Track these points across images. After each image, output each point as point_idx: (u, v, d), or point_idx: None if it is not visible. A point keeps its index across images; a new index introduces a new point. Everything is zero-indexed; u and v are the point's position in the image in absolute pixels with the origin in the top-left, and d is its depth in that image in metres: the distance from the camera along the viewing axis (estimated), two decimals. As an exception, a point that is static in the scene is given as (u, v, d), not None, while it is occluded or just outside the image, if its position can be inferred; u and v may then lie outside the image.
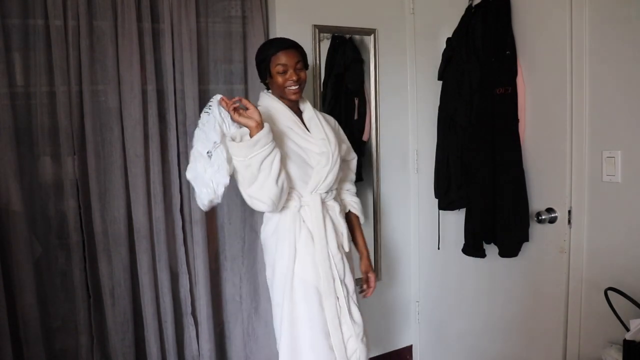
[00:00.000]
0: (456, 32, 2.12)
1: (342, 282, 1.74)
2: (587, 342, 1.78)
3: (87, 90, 1.95)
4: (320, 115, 1.85)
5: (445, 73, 2.18)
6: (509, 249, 1.95)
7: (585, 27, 1.72)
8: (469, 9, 2.09)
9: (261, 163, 1.54)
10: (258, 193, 1.58)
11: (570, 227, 1.81)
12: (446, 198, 2.22)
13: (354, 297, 1.79)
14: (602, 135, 1.70)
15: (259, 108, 1.62)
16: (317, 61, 2.35)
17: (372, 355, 2.63)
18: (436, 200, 2.29)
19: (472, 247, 2.07)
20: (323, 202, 1.74)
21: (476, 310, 2.30)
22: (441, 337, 2.57)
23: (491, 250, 2.04)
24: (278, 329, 1.74)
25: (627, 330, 1.42)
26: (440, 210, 2.31)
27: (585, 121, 1.74)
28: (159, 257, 2.11)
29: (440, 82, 2.21)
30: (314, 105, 2.32)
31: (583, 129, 1.75)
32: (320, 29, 2.36)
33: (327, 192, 1.76)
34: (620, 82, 1.64)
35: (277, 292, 1.73)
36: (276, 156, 1.57)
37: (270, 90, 1.80)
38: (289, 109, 1.76)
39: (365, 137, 2.56)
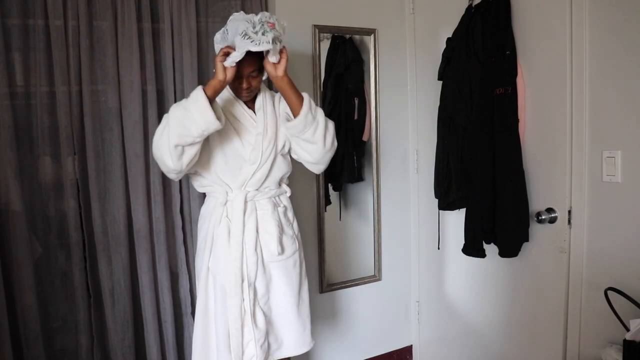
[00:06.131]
0: (456, 32, 2.12)
1: (252, 284, 1.69)
2: (587, 342, 1.78)
3: (87, 90, 1.95)
4: (275, 101, 1.78)
5: (445, 73, 2.18)
6: (509, 249, 1.95)
7: (585, 27, 1.72)
8: (469, 9, 2.09)
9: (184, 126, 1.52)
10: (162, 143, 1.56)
11: (570, 227, 1.81)
12: (446, 198, 2.22)
13: (262, 301, 1.72)
14: (602, 135, 1.70)
15: None
16: (317, 61, 2.35)
17: (372, 355, 2.64)
18: (436, 200, 2.29)
19: (472, 247, 2.07)
20: (250, 200, 1.70)
21: (476, 310, 2.30)
22: (441, 337, 2.57)
23: (491, 250, 2.03)
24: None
25: (627, 330, 1.42)
26: (440, 210, 2.31)
27: (585, 121, 1.74)
28: (158, 257, 2.11)
29: (440, 82, 2.21)
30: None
31: (583, 129, 1.75)
32: (320, 29, 2.36)
33: (257, 190, 1.72)
34: (620, 82, 1.63)
35: (198, 278, 1.78)
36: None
37: None
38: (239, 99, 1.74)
39: (365, 137, 2.56)
